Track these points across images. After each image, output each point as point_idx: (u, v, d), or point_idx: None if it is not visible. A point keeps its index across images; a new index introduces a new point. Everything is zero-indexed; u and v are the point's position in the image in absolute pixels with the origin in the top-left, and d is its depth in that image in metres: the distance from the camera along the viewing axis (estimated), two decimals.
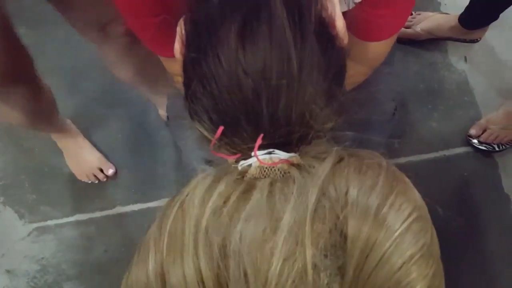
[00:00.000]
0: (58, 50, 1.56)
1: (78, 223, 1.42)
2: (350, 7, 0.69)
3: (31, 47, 1.59)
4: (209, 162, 1.04)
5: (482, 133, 1.36)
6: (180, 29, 0.50)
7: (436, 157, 1.39)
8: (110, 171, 1.42)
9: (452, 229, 1.29)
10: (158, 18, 0.66)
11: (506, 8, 1.31)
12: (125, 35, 1.05)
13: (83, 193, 1.44)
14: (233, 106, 0.42)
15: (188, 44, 0.47)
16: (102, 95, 1.52)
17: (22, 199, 1.45)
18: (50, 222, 1.42)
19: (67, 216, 1.42)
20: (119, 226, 1.40)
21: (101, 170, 1.42)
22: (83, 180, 1.43)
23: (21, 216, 1.43)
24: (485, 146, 1.38)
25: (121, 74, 1.18)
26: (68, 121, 1.38)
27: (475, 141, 1.38)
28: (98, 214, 1.42)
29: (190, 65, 0.46)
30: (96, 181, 1.43)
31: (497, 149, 1.37)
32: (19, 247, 1.41)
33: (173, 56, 0.65)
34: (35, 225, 1.42)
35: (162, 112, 1.43)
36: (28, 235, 1.42)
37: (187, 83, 0.47)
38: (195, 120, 0.47)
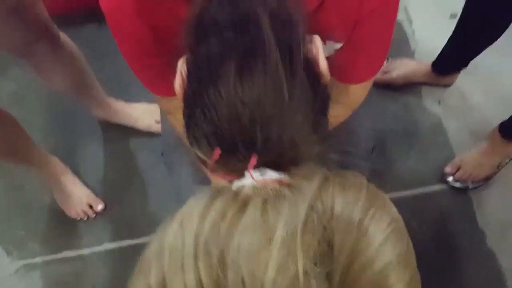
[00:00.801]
0: (50, 90, 1.62)
1: (66, 259, 1.43)
2: (331, 54, 0.77)
3: (24, 87, 1.65)
4: None
5: (456, 172, 1.44)
6: (181, 66, 0.56)
7: (413, 194, 1.45)
8: (99, 207, 1.45)
9: (429, 264, 1.34)
10: (157, 60, 0.72)
11: (475, 56, 1.41)
12: (53, 52, 1.14)
13: (71, 229, 1.46)
14: (231, 133, 0.47)
15: (190, 80, 0.53)
16: (92, 133, 1.57)
17: (11, 235, 1.46)
18: (37, 259, 1.43)
19: (55, 252, 1.44)
20: (107, 263, 1.41)
21: (90, 207, 1.45)
22: (72, 217, 1.46)
23: (9, 253, 1.44)
24: (459, 184, 1.45)
25: (52, 85, 1.29)
26: (55, 158, 1.42)
27: (450, 179, 1.45)
28: (86, 250, 1.43)
29: (191, 98, 0.52)
30: (85, 218, 1.45)
31: (471, 186, 1.44)
32: (6, 284, 1.41)
33: (170, 95, 0.71)
34: (22, 262, 1.43)
35: (95, 114, 1.51)
36: (15, 272, 1.42)
37: (187, 114, 0.53)
38: (194, 146, 0.52)
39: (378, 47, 0.78)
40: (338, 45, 0.74)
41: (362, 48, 0.75)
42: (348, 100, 0.87)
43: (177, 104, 0.77)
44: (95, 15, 1.68)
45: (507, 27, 1.25)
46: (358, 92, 0.86)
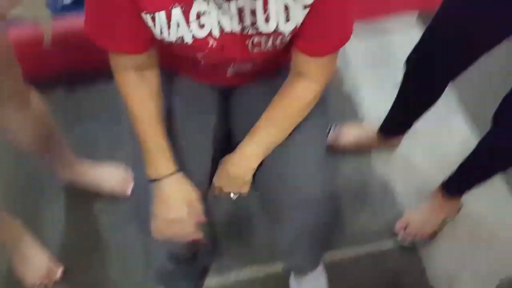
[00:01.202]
0: (14, 152, 1.63)
1: None
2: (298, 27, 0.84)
3: None
4: (175, 256, 1.11)
5: (405, 229, 1.53)
6: None
7: (365, 252, 1.52)
8: (59, 272, 1.44)
9: None
10: (127, 7, 0.78)
11: (415, 120, 1.54)
12: (21, 107, 1.20)
13: None
14: None
15: None
16: (55, 195, 1.59)
17: None
18: None
19: None
20: None
21: (50, 272, 1.43)
22: (30, 283, 1.43)
23: None
24: (408, 242, 1.53)
25: (19, 141, 1.31)
26: (16, 221, 1.41)
27: (399, 236, 1.53)
28: None
29: None
30: (45, 282, 1.43)
31: (419, 242, 1.53)
32: None
33: (121, 50, 0.84)
34: None
35: (60, 174, 1.53)
36: None
37: None
38: None
39: (344, 12, 0.85)
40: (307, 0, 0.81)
41: (329, 14, 0.82)
42: (319, 75, 0.94)
43: (126, 62, 0.87)
44: (63, 81, 1.76)
45: (441, 95, 1.39)
46: (328, 64, 0.93)
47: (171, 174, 0.93)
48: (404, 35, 1.99)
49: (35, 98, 1.27)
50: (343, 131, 1.69)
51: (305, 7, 0.80)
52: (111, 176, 1.56)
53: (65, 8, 1.75)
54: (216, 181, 1.03)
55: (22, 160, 1.62)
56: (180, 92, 1.05)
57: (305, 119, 1.00)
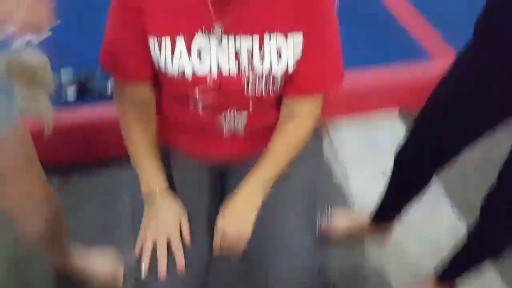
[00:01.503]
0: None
1: None
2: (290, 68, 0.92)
3: None
4: None
5: None
6: None
7: None
8: None
9: None
10: (133, 37, 0.88)
11: (404, 207, 1.57)
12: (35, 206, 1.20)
13: None
14: None
15: None
16: (45, 283, 1.56)
17: None
18: None
19: None
20: None
21: None
22: None
23: None
24: None
25: (29, 231, 1.29)
26: None
27: None
28: None
29: None
30: None
31: None
32: None
33: (129, 77, 0.93)
34: None
35: (55, 262, 1.51)
36: None
37: None
38: None
39: (334, 52, 0.95)
40: (298, 37, 0.89)
41: (322, 52, 0.92)
42: (310, 112, 1.02)
43: (130, 94, 0.97)
44: (59, 169, 1.78)
45: (429, 185, 1.44)
46: (318, 103, 1.01)
47: (162, 189, 1.00)
48: (387, 127, 2.10)
49: (54, 195, 1.27)
50: (334, 219, 1.72)
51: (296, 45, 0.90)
52: (102, 264, 1.55)
53: (68, 104, 1.82)
54: (219, 222, 1.04)
55: (11, 248, 1.62)
56: (176, 174, 1.10)
57: (294, 200, 1.06)
